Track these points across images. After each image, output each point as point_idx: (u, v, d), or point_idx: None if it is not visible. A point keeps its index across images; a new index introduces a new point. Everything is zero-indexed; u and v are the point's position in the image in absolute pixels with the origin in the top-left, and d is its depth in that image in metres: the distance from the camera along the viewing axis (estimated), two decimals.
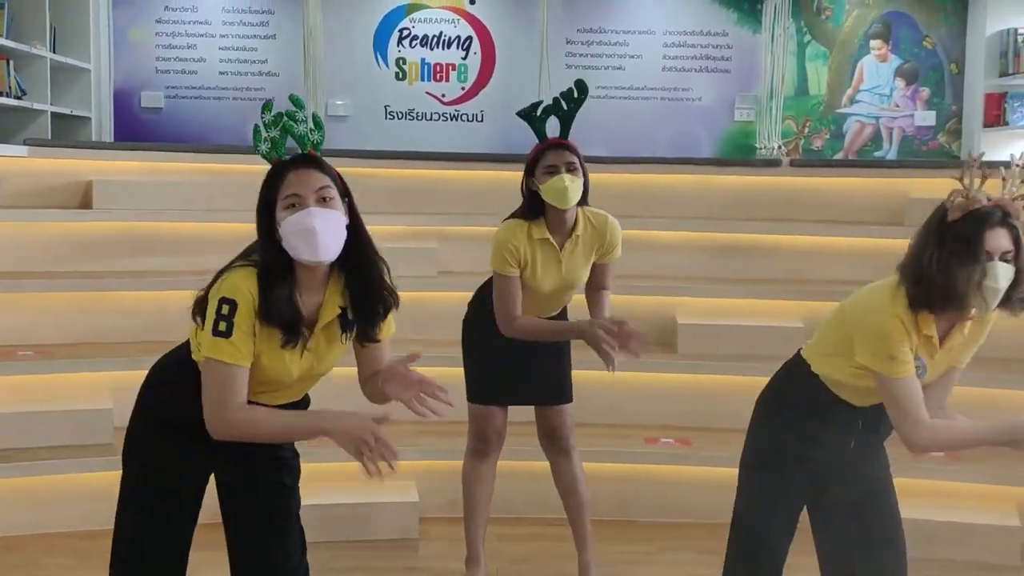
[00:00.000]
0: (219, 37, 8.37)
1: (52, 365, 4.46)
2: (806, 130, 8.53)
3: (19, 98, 6.95)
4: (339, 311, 2.44)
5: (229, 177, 5.03)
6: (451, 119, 8.53)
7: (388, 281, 2.48)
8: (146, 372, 2.60)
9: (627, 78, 8.50)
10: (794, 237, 5.28)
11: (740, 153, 8.39)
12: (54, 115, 7.34)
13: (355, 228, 2.43)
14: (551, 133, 3.57)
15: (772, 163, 5.76)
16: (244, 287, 2.34)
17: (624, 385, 4.79)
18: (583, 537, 3.79)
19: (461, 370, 3.77)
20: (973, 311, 2.50)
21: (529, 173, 3.48)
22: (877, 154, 8.60)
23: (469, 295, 3.83)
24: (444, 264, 5.12)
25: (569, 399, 3.77)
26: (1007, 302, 2.50)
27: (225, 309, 2.32)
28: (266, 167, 2.43)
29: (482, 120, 8.52)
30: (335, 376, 2.61)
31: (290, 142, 2.45)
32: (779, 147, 7.86)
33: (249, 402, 2.37)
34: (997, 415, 2.64)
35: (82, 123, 7.89)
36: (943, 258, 2.46)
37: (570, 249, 3.51)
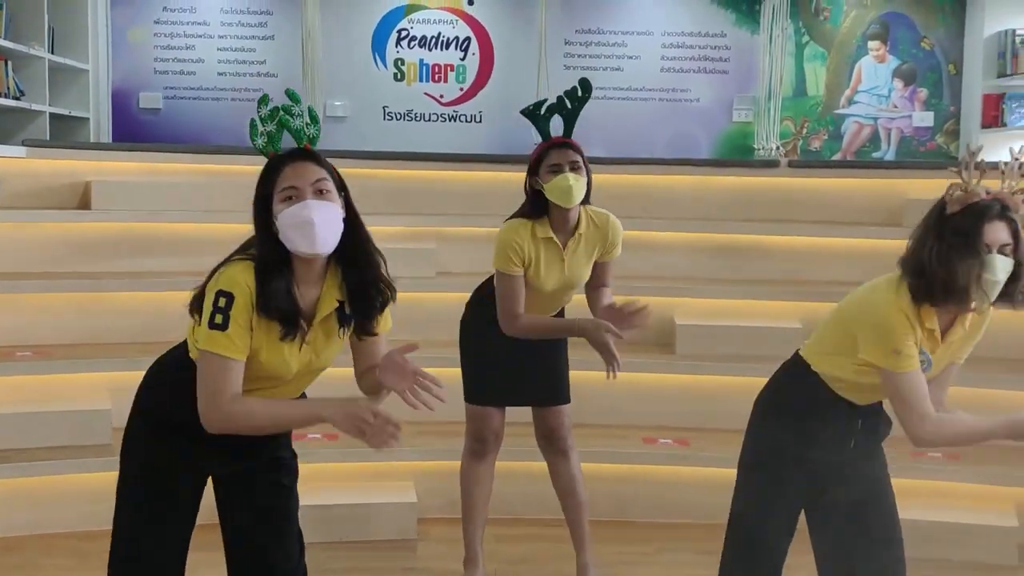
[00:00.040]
0: (217, 38, 8.37)
1: (50, 366, 4.47)
2: (804, 131, 8.54)
3: (17, 99, 6.95)
4: (337, 305, 2.44)
5: (227, 178, 5.03)
6: (449, 120, 8.54)
7: (385, 274, 2.48)
8: (144, 373, 2.60)
9: (625, 79, 8.51)
10: (792, 238, 5.28)
11: (738, 154, 8.40)
12: (52, 116, 7.34)
13: (352, 222, 2.44)
14: (553, 133, 3.58)
15: (770, 164, 5.77)
16: (241, 280, 2.34)
17: (623, 386, 4.77)
18: (581, 538, 3.79)
19: (459, 371, 3.77)
20: (974, 304, 2.51)
21: (533, 172, 3.49)
22: (875, 155, 8.61)
23: (467, 296, 3.83)
24: (442, 265, 5.12)
25: (567, 400, 3.77)
26: (1008, 296, 2.52)
27: (222, 302, 2.32)
28: (264, 164, 2.43)
29: (480, 121, 8.53)
30: (332, 376, 2.60)
31: (287, 139, 2.45)
32: (777, 148, 7.86)
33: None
34: (996, 415, 2.64)
35: (80, 124, 7.89)
36: (942, 251, 2.47)
37: (573, 248, 3.52)
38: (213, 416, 2.34)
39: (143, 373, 2.60)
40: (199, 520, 2.58)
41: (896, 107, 8.62)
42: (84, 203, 5.12)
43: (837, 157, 8.55)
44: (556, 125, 3.60)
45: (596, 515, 4.00)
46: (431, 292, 4.82)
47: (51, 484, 4.21)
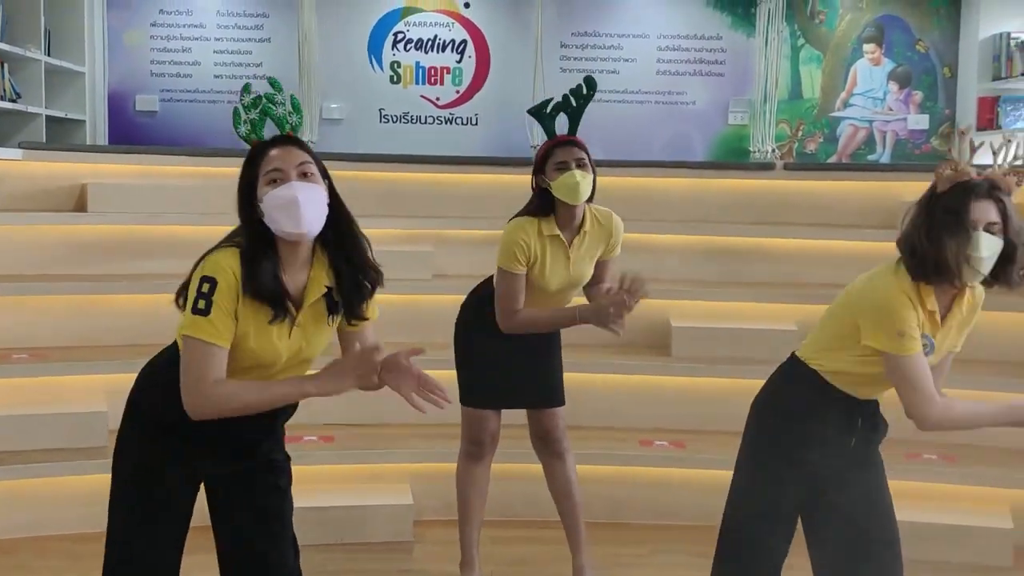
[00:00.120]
0: (214, 40, 8.37)
1: (47, 368, 4.46)
2: (800, 134, 8.55)
3: (14, 101, 6.96)
4: (325, 290, 2.44)
5: (224, 180, 4.95)
6: (445, 122, 8.54)
7: (372, 259, 2.49)
8: (137, 374, 2.60)
9: (621, 82, 8.52)
10: (788, 240, 5.29)
11: (734, 157, 8.41)
12: (49, 118, 7.34)
13: (336, 207, 2.45)
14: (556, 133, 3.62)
15: (766, 167, 5.77)
16: (225, 265, 2.34)
17: (619, 388, 4.81)
18: (577, 540, 3.79)
19: (454, 373, 3.77)
20: (965, 280, 2.53)
21: (539, 170, 3.51)
22: (870, 158, 8.62)
23: (463, 298, 3.83)
24: (439, 267, 5.13)
25: (561, 402, 3.77)
26: (1004, 278, 2.54)
27: (205, 287, 2.32)
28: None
29: (476, 123, 8.54)
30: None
31: (270, 129, 2.47)
32: (773, 151, 7.88)
33: None
34: (998, 402, 2.64)
35: (77, 126, 7.89)
36: (931, 229, 2.51)
37: (579, 245, 3.55)
38: (196, 402, 2.33)
39: None
40: (192, 523, 2.57)
41: (891, 110, 8.64)
42: (80, 205, 5.12)
43: (832, 160, 8.56)
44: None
45: (591, 517, 4.00)
46: (427, 295, 4.83)
47: (47, 486, 4.21)
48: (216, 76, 8.33)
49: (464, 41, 8.51)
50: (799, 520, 2.80)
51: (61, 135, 7.66)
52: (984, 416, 2.60)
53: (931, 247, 2.50)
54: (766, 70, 8.04)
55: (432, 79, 8.53)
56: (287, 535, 2.58)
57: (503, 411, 3.77)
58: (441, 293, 4.68)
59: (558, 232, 3.51)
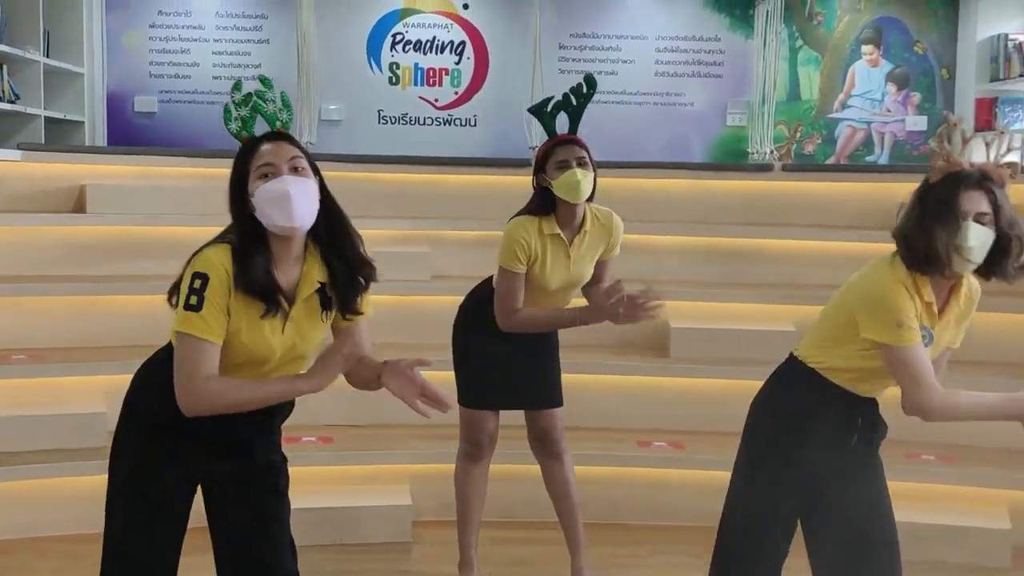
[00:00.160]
0: (212, 42, 8.38)
1: (45, 369, 4.46)
2: (798, 135, 8.56)
3: (12, 102, 6.96)
4: (318, 285, 2.45)
5: (222, 181, 4.92)
6: (444, 123, 8.55)
7: (364, 253, 2.50)
8: (132, 375, 2.60)
9: (620, 83, 8.53)
10: (786, 241, 5.29)
11: (732, 158, 8.42)
12: (47, 119, 7.35)
13: (327, 203, 2.46)
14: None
15: (764, 168, 5.78)
16: (217, 261, 2.35)
17: (617, 388, 4.82)
18: (576, 541, 3.79)
19: (452, 374, 3.78)
20: (956, 270, 2.53)
21: (540, 169, 3.51)
22: (868, 159, 8.64)
23: (461, 299, 3.84)
24: (437, 268, 5.13)
25: (560, 403, 3.77)
26: (1000, 270, 2.55)
27: (197, 283, 2.33)
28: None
29: (475, 125, 8.54)
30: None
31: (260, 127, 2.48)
32: (771, 152, 7.88)
33: None
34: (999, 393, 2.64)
35: (75, 127, 7.89)
36: (923, 219, 2.54)
37: (579, 244, 3.55)
38: (189, 398, 2.34)
39: None
40: (189, 524, 2.57)
41: (889, 111, 8.66)
42: (79, 207, 5.12)
43: (831, 161, 8.58)
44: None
45: (590, 517, 4.00)
46: (425, 296, 4.84)
47: (46, 487, 4.21)
48: (215, 77, 8.34)
49: (463, 42, 8.52)
50: (799, 522, 2.80)
51: (60, 136, 7.66)
52: (985, 406, 2.60)
53: (922, 237, 2.52)
54: (764, 71, 8.04)
55: (431, 80, 8.54)
56: (284, 537, 2.58)
57: (501, 412, 3.78)
58: (439, 294, 4.68)
59: (559, 231, 3.51)
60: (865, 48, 8.64)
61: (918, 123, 8.61)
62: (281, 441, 2.66)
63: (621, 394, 4.80)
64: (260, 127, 2.52)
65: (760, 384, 2.88)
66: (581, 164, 3.45)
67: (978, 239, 2.49)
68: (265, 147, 2.43)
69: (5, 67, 6.93)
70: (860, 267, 2.77)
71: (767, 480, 2.74)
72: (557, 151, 3.48)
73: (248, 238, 2.39)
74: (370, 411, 4.55)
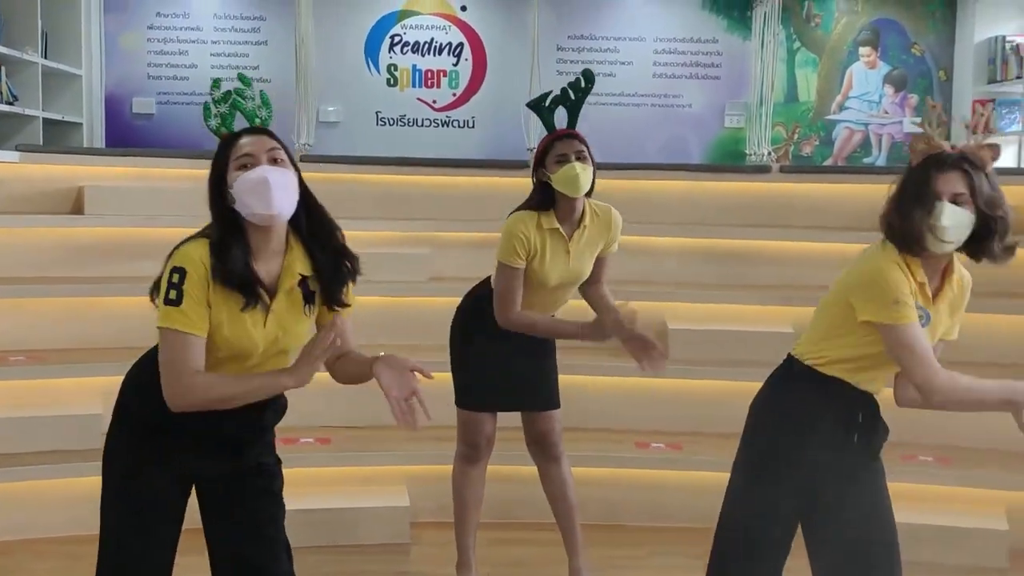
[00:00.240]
0: (211, 43, 8.38)
1: (44, 370, 4.47)
2: (796, 136, 8.57)
3: (11, 104, 6.96)
4: (300, 277, 2.45)
5: None
6: (442, 125, 8.56)
7: (346, 245, 2.51)
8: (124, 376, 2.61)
9: (618, 85, 8.53)
10: (784, 243, 5.30)
11: (730, 159, 8.43)
12: (46, 121, 7.35)
13: (306, 198, 2.47)
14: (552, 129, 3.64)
15: (762, 169, 5.78)
16: (195, 255, 2.36)
17: (615, 390, 4.82)
18: (573, 542, 3.80)
19: (450, 376, 3.78)
20: (933, 251, 2.54)
21: (539, 164, 3.52)
22: (866, 160, 8.65)
23: (459, 301, 3.84)
24: (435, 270, 5.13)
25: (557, 405, 3.78)
26: (986, 251, 2.56)
27: (175, 278, 2.34)
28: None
29: (473, 126, 8.55)
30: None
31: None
32: (769, 153, 7.87)
33: None
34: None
35: (73, 129, 7.89)
36: (902, 200, 2.58)
37: (578, 239, 3.55)
38: (175, 392, 2.34)
39: None
40: (184, 525, 2.57)
41: (887, 113, 8.66)
42: (77, 208, 5.12)
43: (828, 163, 8.58)
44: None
45: (588, 519, 4.01)
46: (423, 297, 4.84)
47: (44, 488, 4.21)
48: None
49: (461, 44, 8.53)
50: (799, 524, 2.79)
51: (58, 138, 7.66)
52: (984, 389, 2.58)
53: (901, 218, 2.55)
54: (762, 73, 8.02)
55: (429, 82, 8.54)
56: (279, 539, 2.58)
57: (499, 413, 3.78)
58: (437, 296, 4.69)
59: (558, 226, 3.52)
60: (863, 50, 8.65)
61: (915, 125, 8.61)
62: (275, 443, 2.66)
63: (619, 395, 4.81)
64: (240, 126, 2.53)
65: (758, 385, 2.87)
66: (580, 158, 3.46)
67: (951, 219, 2.50)
68: (244, 140, 2.43)
69: (3, 68, 6.93)
70: None
71: (767, 480, 2.74)
72: (556, 145, 3.49)
73: (226, 230, 2.39)
74: (368, 412, 4.54)
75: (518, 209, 3.58)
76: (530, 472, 3.90)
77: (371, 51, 8.47)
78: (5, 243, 4.91)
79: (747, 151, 8.17)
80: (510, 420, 3.80)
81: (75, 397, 4.45)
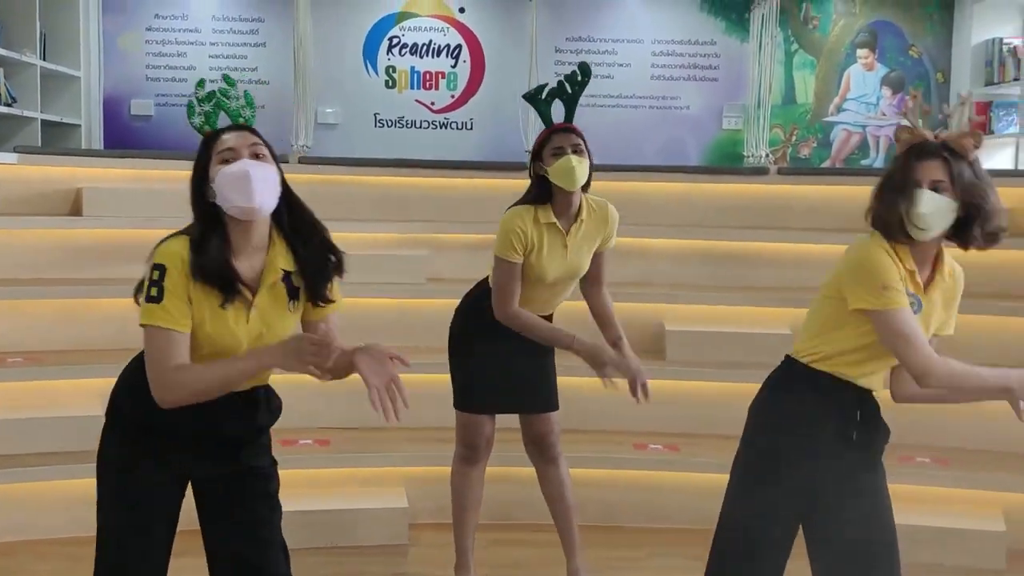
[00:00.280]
0: (209, 45, 8.38)
1: (42, 372, 4.48)
2: (793, 138, 8.58)
3: (9, 105, 6.96)
4: (282, 273, 2.45)
5: None
6: (440, 127, 8.56)
7: (330, 240, 2.51)
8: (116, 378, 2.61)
9: (616, 86, 8.54)
10: (782, 244, 5.31)
11: (728, 161, 8.43)
12: (44, 122, 7.35)
13: (288, 196, 2.48)
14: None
15: (760, 171, 5.79)
16: (174, 251, 2.37)
17: (613, 391, 4.81)
18: (571, 543, 3.80)
19: (449, 377, 3.78)
20: (914, 238, 2.56)
21: (536, 157, 3.53)
22: (864, 162, 8.65)
23: (458, 303, 3.84)
24: (433, 272, 5.13)
25: (556, 407, 3.78)
26: (971, 238, 2.58)
27: (155, 275, 2.35)
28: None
29: (471, 128, 8.55)
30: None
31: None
32: (767, 155, 7.88)
33: None
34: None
35: (72, 130, 7.89)
36: (884, 188, 2.61)
37: (576, 233, 3.56)
38: (162, 388, 2.34)
39: None
40: (180, 526, 2.57)
41: (884, 115, 8.67)
42: (76, 210, 5.12)
43: (826, 164, 8.59)
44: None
45: (586, 520, 4.01)
46: (422, 299, 4.83)
47: (43, 490, 4.22)
48: (212, 81, 8.27)
49: (459, 46, 8.53)
50: (799, 524, 2.80)
51: (56, 139, 7.66)
52: (980, 376, 2.59)
53: (881, 204, 2.59)
54: (760, 75, 8.02)
55: (427, 84, 8.54)
56: (276, 540, 2.58)
57: (498, 415, 3.78)
58: (435, 297, 4.69)
59: (555, 220, 3.52)
60: (860, 52, 8.65)
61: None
62: (271, 445, 2.66)
63: (617, 397, 4.78)
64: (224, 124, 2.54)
65: (756, 387, 2.87)
66: (576, 151, 3.46)
67: (928, 206, 2.52)
68: (227, 135, 2.45)
69: (1, 70, 6.93)
70: None
71: (767, 481, 2.74)
72: (553, 138, 3.49)
73: (207, 225, 2.40)
74: (367, 414, 4.48)
75: (515, 203, 3.58)
76: (529, 473, 3.90)
77: (369, 53, 8.48)
78: (3, 244, 4.91)
79: (745, 153, 8.17)
80: (509, 421, 3.81)
81: (73, 398, 4.45)
